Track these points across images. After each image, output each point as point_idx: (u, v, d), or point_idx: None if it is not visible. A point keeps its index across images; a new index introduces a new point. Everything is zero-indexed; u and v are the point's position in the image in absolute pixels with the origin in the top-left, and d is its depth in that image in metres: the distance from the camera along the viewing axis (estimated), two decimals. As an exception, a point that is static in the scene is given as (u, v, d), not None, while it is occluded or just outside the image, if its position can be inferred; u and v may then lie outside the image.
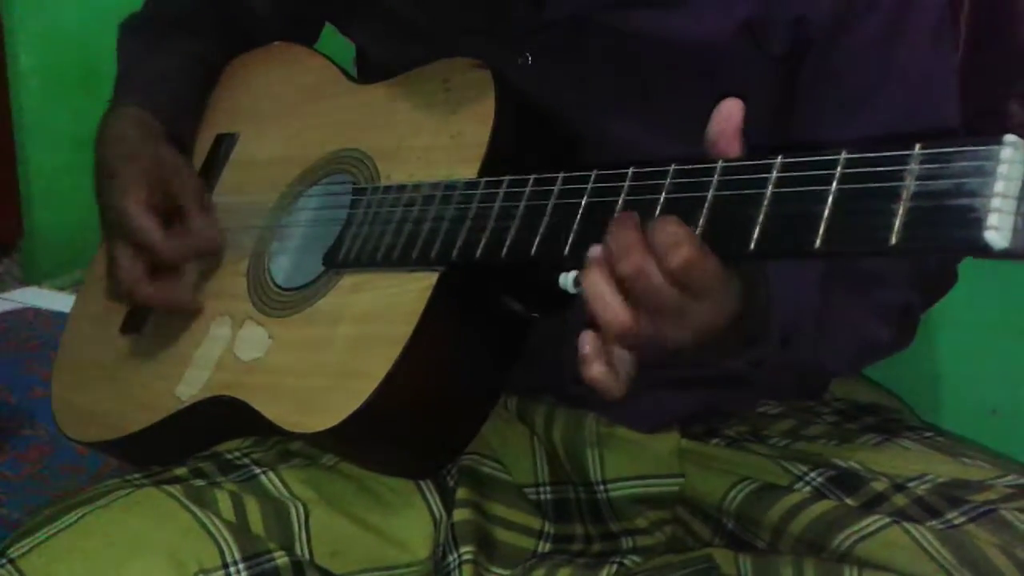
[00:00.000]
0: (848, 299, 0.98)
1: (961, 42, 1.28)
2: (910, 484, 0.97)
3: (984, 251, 0.64)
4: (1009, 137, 0.65)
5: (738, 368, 0.93)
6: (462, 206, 0.93)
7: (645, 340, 0.78)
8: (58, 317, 1.89)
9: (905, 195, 0.67)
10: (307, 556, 0.98)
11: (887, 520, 0.93)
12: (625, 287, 0.76)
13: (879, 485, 0.97)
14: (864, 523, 0.93)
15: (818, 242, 0.70)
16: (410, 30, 1.11)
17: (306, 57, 1.23)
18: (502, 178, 0.92)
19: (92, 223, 1.18)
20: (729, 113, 0.78)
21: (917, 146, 0.68)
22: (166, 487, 0.97)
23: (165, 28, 1.29)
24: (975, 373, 1.41)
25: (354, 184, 1.06)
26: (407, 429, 0.97)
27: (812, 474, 1.01)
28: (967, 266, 1.07)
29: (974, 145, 0.66)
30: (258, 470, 1.02)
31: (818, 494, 0.99)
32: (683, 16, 0.99)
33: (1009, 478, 0.96)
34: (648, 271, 0.75)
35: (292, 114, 1.19)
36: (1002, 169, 0.64)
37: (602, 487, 1.08)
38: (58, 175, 2.26)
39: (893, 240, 0.67)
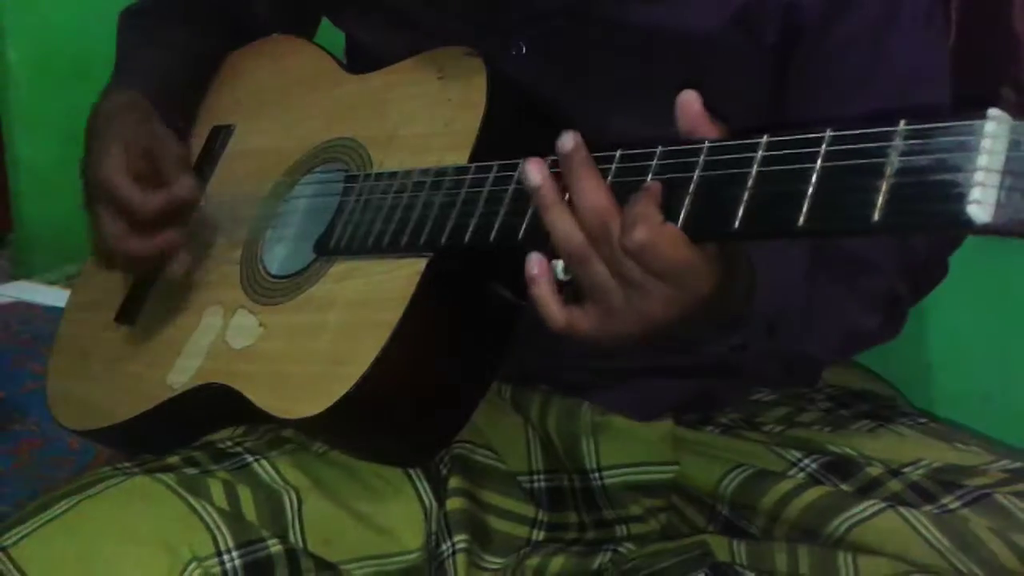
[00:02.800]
0: (833, 286, 0.98)
1: (953, 28, 1.27)
2: (905, 469, 0.97)
3: (967, 226, 0.64)
4: (993, 112, 0.64)
5: (722, 353, 0.93)
6: (452, 191, 0.93)
7: (600, 286, 0.79)
8: (49, 311, 1.89)
9: (888, 171, 0.67)
10: (301, 544, 0.98)
11: (882, 505, 0.93)
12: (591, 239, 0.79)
13: (873, 471, 0.97)
14: (859, 508, 0.94)
15: (802, 220, 0.70)
16: (403, 21, 1.11)
17: (302, 48, 1.23)
18: (491, 163, 0.92)
19: (82, 217, 1.18)
20: (687, 105, 0.78)
21: (902, 122, 0.68)
22: (159, 475, 0.96)
23: (164, 20, 1.30)
24: (968, 360, 1.41)
25: (347, 172, 1.06)
26: (396, 416, 0.97)
27: (806, 460, 1.01)
28: (959, 253, 1.07)
29: (958, 120, 0.65)
30: (250, 458, 1.02)
31: (812, 480, 0.99)
32: (677, 6, 0.99)
33: (1003, 463, 0.96)
34: (611, 235, 0.78)
35: (287, 105, 1.19)
36: (985, 144, 0.64)
37: (596, 475, 1.08)
38: (48, 169, 2.25)
39: (876, 217, 0.67)
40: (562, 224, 0.80)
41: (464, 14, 1.06)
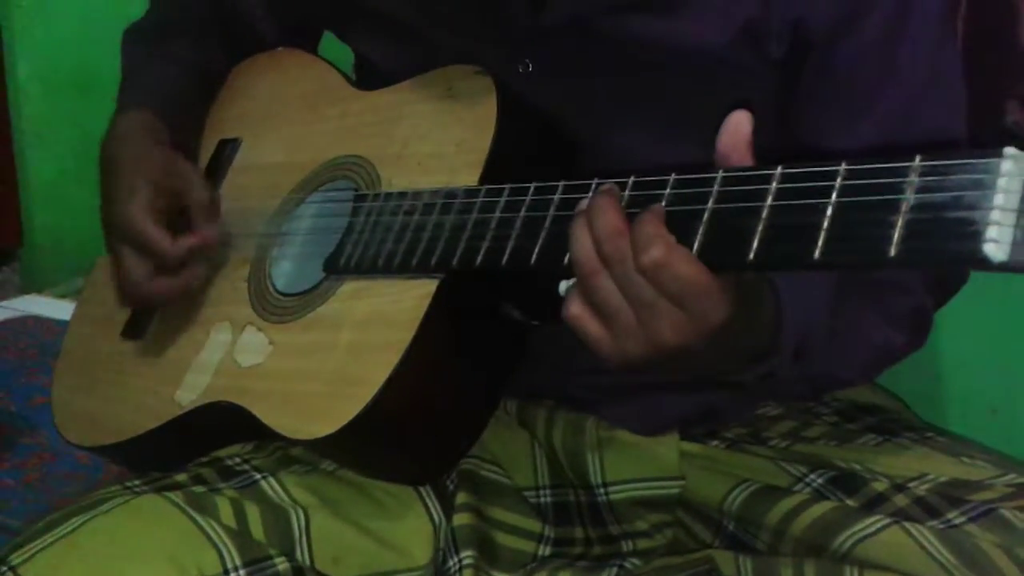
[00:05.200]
0: (860, 307, 0.98)
1: (959, 42, 1.27)
2: (910, 484, 0.97)
3: (983, 264, 0.64)
4: (1009, 150, 0.65)
5: (748, 381, 0.92)
6: (463, 214, 0.93)
7: (608, 303, 0.79)
8: (58, 325, 1.90)
9: (904, 207, 0.67)
10: (308, 562, 0.98)
11: (888, 520, 0.93)
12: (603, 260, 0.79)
13: (879, 485, 0.97)
14: (865, 524, 0.93)
15: (817, 254, 0.71)
16: (410, 37, 1.11)
17: (309, 63, 1.24)
18: (502, 186, 0.92)
19: (92, 231, 1.18)
20: (738, 125, 0.78)
21: (917, 158, 0.68)
22: (166, 493, 0.97)
23: (166, 35, 1.30)
24: (975, 372, 1.41)
25: (356, 191, 1.06)
26: (406, 436, 0.97)
27: (812, 475, 1.01)
28: (966, 267, 1.07)
29: (974, 157, 0.66)
30: (258, 476, 1.02)
31: (818, 495, 0.99)
32: (683, 20, 0.99)
33: (1009, 477, 0.96)
34: (625, 256, 0.77)
35: (295, 119, 1.20)
36: (1001, 182, 0.64)
37: (602, 490, 1.08)
38: (57, 183, 2.26)
39: (892, 252, 0.67)
40: (581, 237, 0.80)
41: (471, 31, 1.07)
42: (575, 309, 0.81)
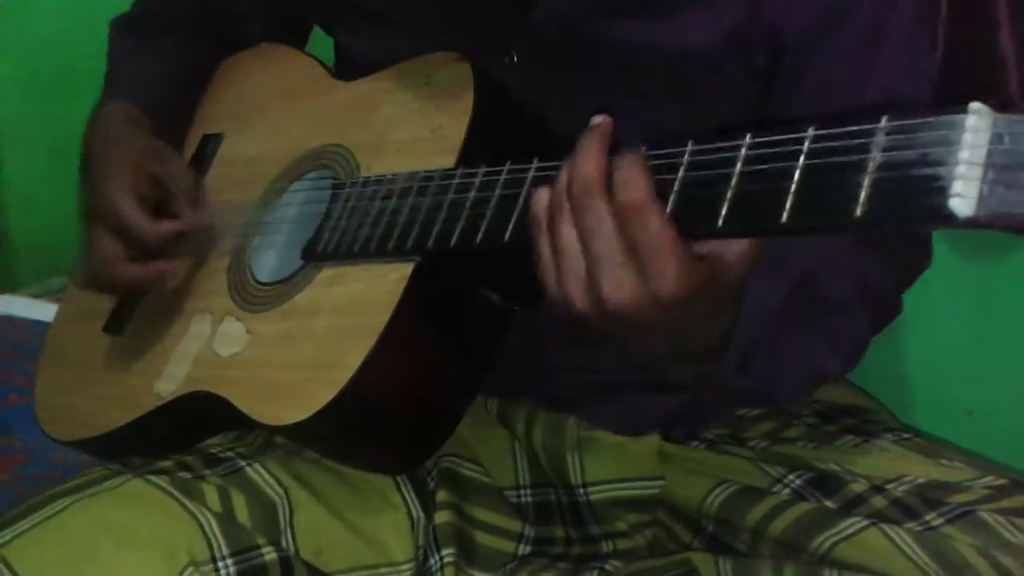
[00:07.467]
0: (803, 327, 0.96)
1: (939, 49, 1.28)
2: (888, 486, 0.97)
3: (949, 220, 0.63)
4: (974, 105, 0.64)
5: (681, 381, 0.91)
6: (438, 196, 0.93)
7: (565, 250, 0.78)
8: (34, 325, 1.89)
9: (871, 167, 0.67)
10: (294, 551, 0.98)
11: (865, 522, 0.93)
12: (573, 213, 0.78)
13: (858, 487, 0.98)
14: (843, 525, 0.94)
15: (785, 217, 0.70)
16: (395, 34, 1.11)
17: (292, 57, 1.24)
18: (478, 168, 0.92)
19: (69, 230, 1.18)
20: None
21: (884, 118, 0.68)
22: (152, 478, 0.95)
23: (153, 29, 1.30)
24: (951, 374, 1.42)
25: (335, 179, 1.06)
26: (383, 422, 0.96)
27: (791, 476, 1.01)
28: (942, 267, 1.07)
29: (939, 115, 0.65)
30: (243, 463, 1.01)
31: (797, 496, 0.99)
32: (670, 26, 0.99)
33: (986, 479, 0.97)
34: (597, 208, 0.76)
35: (276, 112, 1.20)
36: (967, 137, 0.64)
37: (582, 490, 1.08)
38: (35, 183, 2.25)
39: (858, 212, 0.67)
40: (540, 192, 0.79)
41: (457, 30, 1.07)
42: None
